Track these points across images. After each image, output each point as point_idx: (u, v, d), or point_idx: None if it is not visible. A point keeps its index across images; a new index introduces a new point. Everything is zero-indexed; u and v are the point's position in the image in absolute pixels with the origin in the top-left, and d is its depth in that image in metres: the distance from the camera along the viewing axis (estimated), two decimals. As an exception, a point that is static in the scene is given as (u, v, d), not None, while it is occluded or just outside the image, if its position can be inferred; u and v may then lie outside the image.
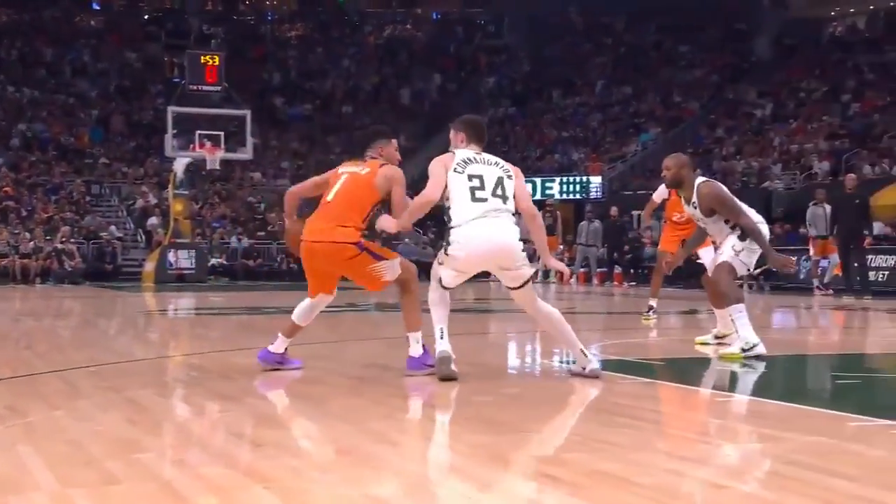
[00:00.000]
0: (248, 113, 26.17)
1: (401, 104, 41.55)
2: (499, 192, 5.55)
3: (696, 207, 6.83)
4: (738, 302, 6.72)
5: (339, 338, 9.37)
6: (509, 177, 5.67)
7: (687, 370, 6.86)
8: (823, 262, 18.15)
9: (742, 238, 6.71)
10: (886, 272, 18.10)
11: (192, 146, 24.80)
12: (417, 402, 5.22)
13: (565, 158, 35.30)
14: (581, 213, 25.70)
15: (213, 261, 26.90)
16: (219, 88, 27.02)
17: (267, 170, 35.51)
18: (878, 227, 19.63)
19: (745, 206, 6.88)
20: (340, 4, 46.97)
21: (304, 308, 6.31)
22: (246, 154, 26.87)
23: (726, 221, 6.78)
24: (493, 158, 5.78)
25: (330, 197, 6.00)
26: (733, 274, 6.84)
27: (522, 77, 43.17)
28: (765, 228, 6.89)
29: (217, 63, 26.50)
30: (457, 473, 3.39)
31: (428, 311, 5.82)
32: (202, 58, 27.13)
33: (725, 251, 6.78)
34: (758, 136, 32.50)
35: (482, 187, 5.53)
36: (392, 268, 5.94)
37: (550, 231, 24.17)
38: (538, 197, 26.62)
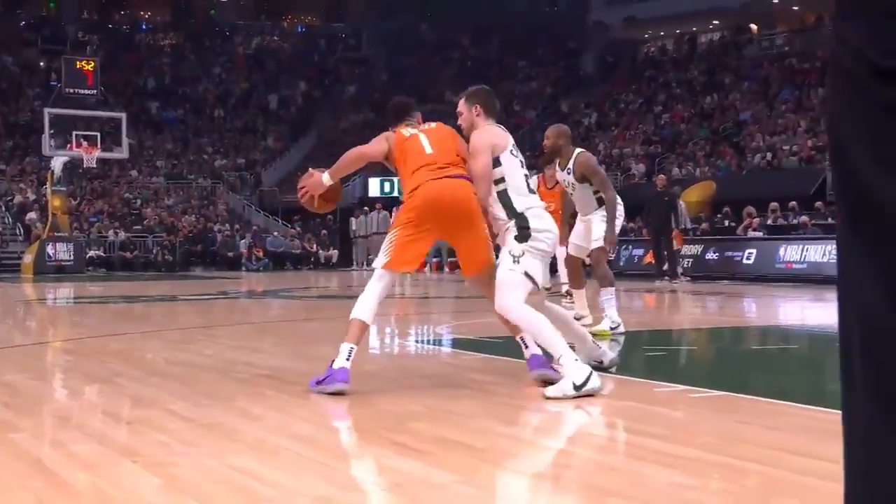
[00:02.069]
0: (123, 115, 25.28)
1: (269, 109, 40.87)
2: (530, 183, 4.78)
3: (569, 173, 6.93)
4: (612, 285, 6.94)
5: (210, 323, 9.16)
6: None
7: (516, 345, 6.97)
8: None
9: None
10: (691, 259, 18.87)
11: (69, 146, 23.79)
12: (281, 381, 5.14)
13: (419, 160, 35.50)
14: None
15: (91, 253, 25.86)
16: (94, 92, 25.98)
17: (143, 168, 34.39)
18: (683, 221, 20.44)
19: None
20: (212, 16, 45.78)
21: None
22: (122, 153, 25.96)
23: (595, 193, 6.90)
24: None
25: (429, 150, 4.71)
26: (607, 257, 7.03)
27: (380, 86, 43.07)
28: (621, 209, 7.13)
29: (93, 68, 25.51)
30: (313, 443, 3.36)
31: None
32: (78, 63, 26.07)
33: (600, 237, 6.92)
34: (585, 141, 33.39)
35: (528, 176, 4.71)
36: None
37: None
38: (396, 194, 26.71)
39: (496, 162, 4.56)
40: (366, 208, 26.60)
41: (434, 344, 7.00)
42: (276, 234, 29.71)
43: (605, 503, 2.54)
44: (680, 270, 17.64)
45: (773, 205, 20.09)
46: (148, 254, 27.59)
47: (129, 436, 3.54)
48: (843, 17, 0.98)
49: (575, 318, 7.49)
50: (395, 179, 34.03)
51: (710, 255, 18.31)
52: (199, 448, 3.27)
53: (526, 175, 4.67)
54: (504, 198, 4.53)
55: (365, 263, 26.05)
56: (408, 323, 9.21)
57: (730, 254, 18.16)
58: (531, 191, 4.65)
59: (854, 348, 1.00)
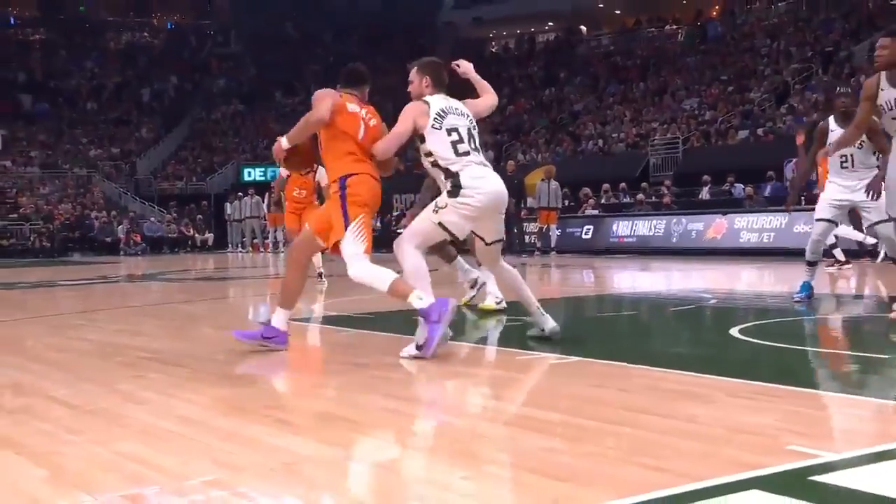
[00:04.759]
0: (-6, 108, 23.57)
1: (142, 101, 39.06)
2: (473, 144, 4.61)
3: None
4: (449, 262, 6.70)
5: (90, 307, 8.62)
6: (474, 127, 4.75)
7: (394, 322, 6.87)
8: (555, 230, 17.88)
9: None
10: (534, 235, 19.22)
11: (-61, 137, 22.03)
12: (164, 363, 4.84)
13: (288, 148, 34.84)
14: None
15: (-34, 241, 24.13)
16: (-36, 85, 24.10)
17: (17, 158, 32.25)
18: (529, 201, 20.74)
19: None
20: (81, 12, 43.20)
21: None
22: (-5, 145, 24.27)
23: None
24: (460, 106, 4.73)
25: (361, 135, 4.62)
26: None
27: (249, 79, 41.89)
28: None
29: (-40, 62, 23.64)
30: (199, 426, 3.15)
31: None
32: (-54, 56, 24.12)
33: None
34: (439, 130, 33.49)
35: (461, 140, 4.56)
36: None
37: (278, 208, 23.79)
38: (267, 179, 26.07)
39: (421, 139, 4.56)
40: (239, 193, 25.87)
41: (308, 321, 6.80)
42: (152, 219, 28.54)
43: (482, 470, 2.47)
44: (544, 245, 17.68)
45: (605, 186, 20.71)
46: (25, 241, 25.98)
47: (12, 426, 3.21)
48: None
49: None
50: (267, 167, 32.91)
51: (555, 232, 18.76)
52: (85, 435, 3.00)
53: (455, 141, 4.54)
54: (436, 167, 4.53)
55: (239, 246, 25.40)
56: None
57: (570, 230, 18.59)
58: (463, 152, 4.53)
59: None
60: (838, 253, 10.78)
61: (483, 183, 4.48)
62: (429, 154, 4.55)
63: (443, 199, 4.50)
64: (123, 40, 43.22)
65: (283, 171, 9.94)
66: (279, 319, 4.64)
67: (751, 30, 29.79)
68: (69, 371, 4.42)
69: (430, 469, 2.56)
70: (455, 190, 4.45)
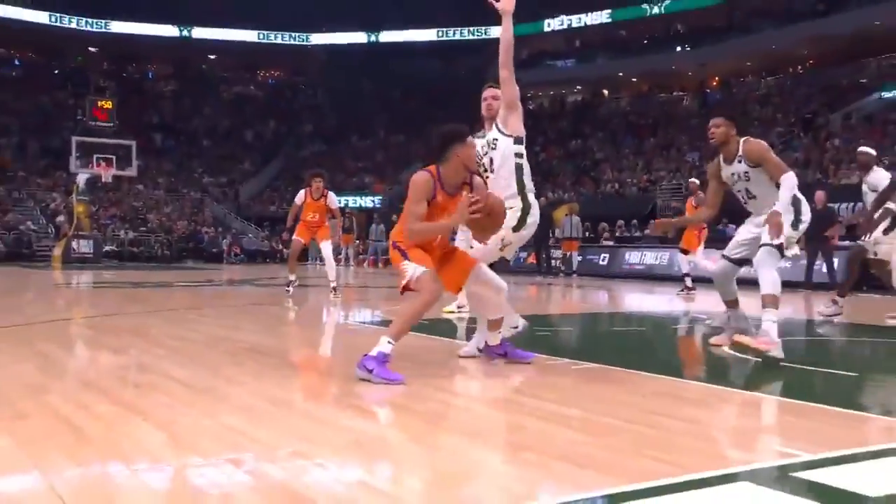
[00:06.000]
0: (133, 143, 24.30)
1: (245, 140, 39.90)
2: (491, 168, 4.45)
3: None
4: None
5: (200, 305, 8.77)
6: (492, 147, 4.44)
7: (443, 327, 6.85)
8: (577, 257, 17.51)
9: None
10: (559, 260, 19.06)
11: (90, 165, 22.79)
12: (259, 353, 4.89)
13: (360, 181, 35.23)
14: (371, 219, 25.68)
15: (107, 248, 24.75)
16: (111, 125, 24.99)
17: (147, 183, 33.11)
18: (557, 232, 20.59)
19: None
20: (203, 69, 44.41)
21: None
22: (132, 172, 24.97)
23: None
24: (481, 140, 4.52)
25: None
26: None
27: (331, 126, 42.52)
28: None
29: (110, 107, 24.56)
30: (287, 406, 3.18)
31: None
32: (98, 102, 25.03)
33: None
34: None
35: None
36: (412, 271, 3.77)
37: (349, 230, 23.96)
38: (342, 207, 26.27)
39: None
40: (320, 217, 26.13)
41: (373, 324, 6.83)
42: (250, 235, 29.03)
43: (519, 456, 2.45)
44: (567, 269, 17.44)
45: (620, 222, 20.49)
46: (150, 249, 26.61)
47: (138, 397, 3.28)
48: None
49: (459, 307, 6.82)
50: (342, 196, 33.32)
51: (576, 258, 18.60)
52: (197, 409, 3.05)
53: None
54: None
55: (318, 260, 25.65)
56: (350, 308, 9.00)
57: (590, 257, 18.41)
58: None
59: None
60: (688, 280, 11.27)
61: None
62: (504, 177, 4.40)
63: (516, 225, 4.16)
64: (234, 91, 44.24)
65: (299, 199, 9.93)
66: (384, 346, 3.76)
67: (745, 98, 29.42)
68: (184, 356, 4.50)
69: (476, 452, 2.55)
70: (525, 217, 4.23)
